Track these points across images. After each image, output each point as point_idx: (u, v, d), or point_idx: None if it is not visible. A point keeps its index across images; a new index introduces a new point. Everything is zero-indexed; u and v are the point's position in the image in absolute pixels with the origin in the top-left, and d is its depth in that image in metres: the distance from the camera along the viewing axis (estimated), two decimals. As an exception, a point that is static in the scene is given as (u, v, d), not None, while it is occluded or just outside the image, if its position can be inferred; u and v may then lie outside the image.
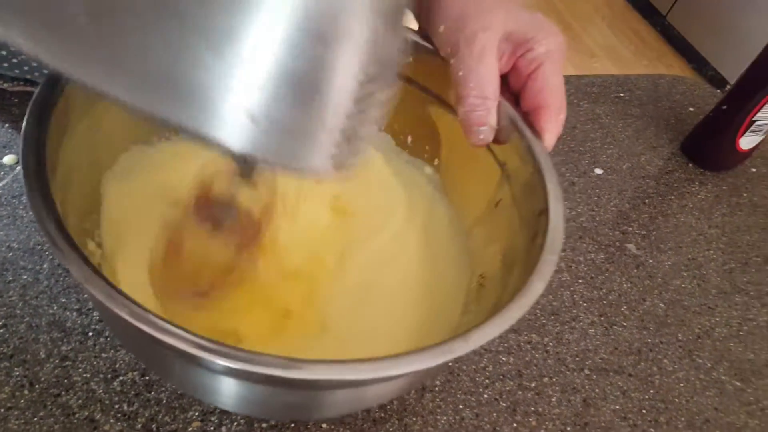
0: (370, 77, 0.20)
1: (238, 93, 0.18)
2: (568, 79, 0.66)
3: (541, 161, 0.33)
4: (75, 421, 0.33)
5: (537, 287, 0.26)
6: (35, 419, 0.33)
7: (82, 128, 0.29)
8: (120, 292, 0.21)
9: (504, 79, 0.35)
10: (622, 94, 0.67)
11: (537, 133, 0.34)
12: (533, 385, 0.41)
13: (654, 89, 0.70)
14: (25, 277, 0.38)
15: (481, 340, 0.24)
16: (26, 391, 0.33)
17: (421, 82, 0.38)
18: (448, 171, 0.42)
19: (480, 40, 0.32)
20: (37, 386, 0.34)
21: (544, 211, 0.30)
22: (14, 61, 0.46)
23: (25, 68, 0.47)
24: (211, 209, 0.30)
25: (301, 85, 0.19)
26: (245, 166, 0.27)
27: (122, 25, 0.18)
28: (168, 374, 0.31)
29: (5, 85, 0.49)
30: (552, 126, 0.34)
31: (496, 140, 0.35)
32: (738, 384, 0.45)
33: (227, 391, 0.27)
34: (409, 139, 0.43)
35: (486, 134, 0.33)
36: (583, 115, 0.63)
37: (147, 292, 0.32)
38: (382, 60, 0.21)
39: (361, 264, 0.39)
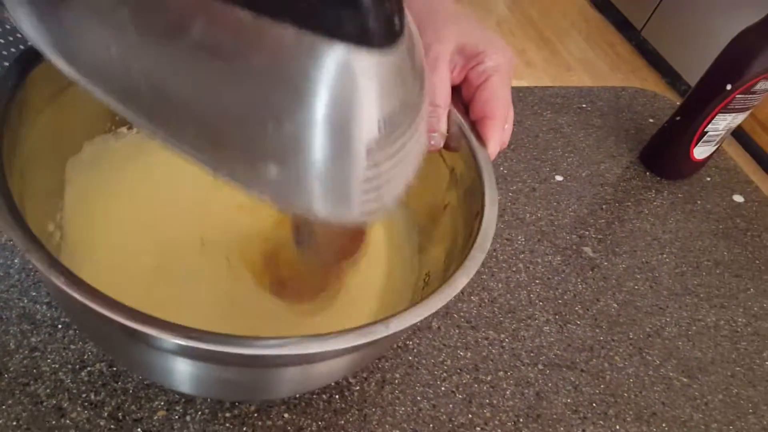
0: (387, 130, 0.22)
1: (286, 158, 0.21)
2: (532, 90, 0.69)
3: (482, 167, 0.35)
4: (43, 409, 0.34)
5: (460, 281, 0.28)
6: (3, 407, 0.34)
7: (47, 114, 0.30)
8: (63, 267, 0.22)
9: (456, 90, 0.37)
10: (584, 105, 0.70)
11: (482, 142, 0.36)
12: (489, 378, 0.43)
13: (615, 101, 0.73)
14: (-3, 271, 0.39)
15: (401, 325, 0.25)
16: (-5, 380, 0.35)
17: None
18: None
19: (434, 52, 0.34)
20: (6, 375, 0.35)
21: (480, 213, 0.33)
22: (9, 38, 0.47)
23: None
24: (297, 233, 0.34)
25: (327, 155, 0.21)
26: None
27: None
28: (119, 356, 0.32)
29: None
30: (496, 135, 0.36)
31: (447, 146, 0.37)
32: (685, 380, 0.48)
33: (179, 371, 0.28)
34: None
35: (436, 140, 0.35)
36: (546, 125, 0.66)
37: (107, 279, 0.33)
38: (394, 114, 0.22)
39: None
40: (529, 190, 0.59)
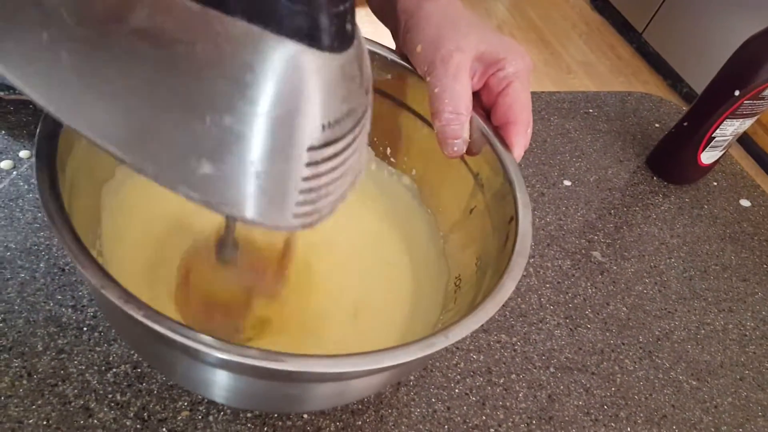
0: (329, 131, 0.22)
1: (209, 162, 0.20)
2: (539, 95, 0.70)
3: (510, 171, 0.36)
4: (71, 409, 0.35)
5: (509, 286, 0.29)
6: (33, 407, 0.35)
7: (83, 142, 0.31)
8: (117, 283, 0.23)
9: (476, 95, 0.38)
10: (591, 110, 0.71)
11: (507, 146, 0.37)
12: (501, 381, 0.44)
13: (622, 106, 0.73)
14: (23, 275, 0.40)
15: (460, 334, 0.26)
16: (25, 381, 0.35)
17: (399, 98, 0.41)
18: (425, 181, 0.45)
19: (455, 60, 0.35)
20: (35, 376, 0.36)
21: (514, 218, 0.33)
22: None
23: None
24: (219, 247, 0.33)
25: (265, 153, 0.21)
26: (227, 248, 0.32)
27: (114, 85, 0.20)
28: (161, 365, 0.33)
29: (1, 94, 0.51)
30: (521, 139, 0.37)
31: (469, 152, 0.38)
32: (694, 383, 0.48)
33: (217, 383, 0.29)
34: (389, 150, 0.46)
35: (459, 146, 0.36)
36: (554, 130, 0.67)
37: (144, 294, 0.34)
38: (338, 118, 0.22)
39: (349, 269, 0.42)
40: (538, 195, 0.60)
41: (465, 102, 0.35)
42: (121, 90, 0.20)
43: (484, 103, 0.38)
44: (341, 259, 0.42)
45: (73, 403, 0.35)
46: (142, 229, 0.38)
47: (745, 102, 0.57)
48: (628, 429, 0.44)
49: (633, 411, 0.45)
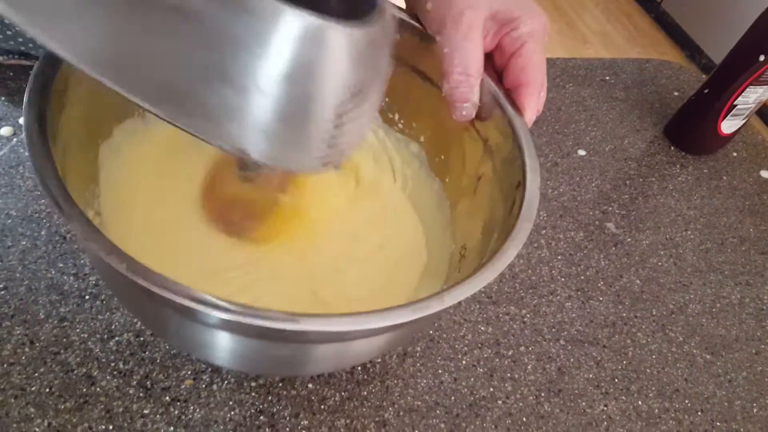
0: (353, 94, 0.24)
1: (245, 113, 0.22)
2: (554, 62, 0.68)
3: (521, 136, 0.34)
4: (73, 377, 0.35)
5: (510, 252, 0.28)
6: (36, 374, 0.34)
7: (80, 100, 0.30)
8: (117, 248, 0.22)
9: (489, 57, 0.36)
10: (607, 78, 0.69)
11: (518, 110, 0.35)
12: (510, 353, 0.43)
13: (639, 73, 0.71)
14: (24, 243, 0.39)
15: (456, 298, 0.25)
16: (27, 349, 0.35)
17: (408, 60, 0.40)
18: (433, 147, 0.44)
19: (466, 19, 0.33)
20: (37, 344, 0.35)
21: (521, 183, 0.32)
22: (8, 33, 0.47)
23: (20, 40, 0.48)
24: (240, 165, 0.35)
25: (293, 109, 0.22)
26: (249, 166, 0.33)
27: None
28: (163, 329, 0.33)
29: (0, 59, 0.50)
30: (533, 103, 0.35)
31: (479, 116, 0.36)
32: (708, 357, 0.47)
33: (220, 345, 0.29)
34: (397, 116, 0.44)
35: (468, 110, 0.35)
36: (569, 98, 0.65)
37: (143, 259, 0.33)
38: (365, 81, 0.24)
39: (359, 226, 0.41)
40: (551, 164, 0.58)
41: (476, 63, 0.34)
42: (154, 54, 0.21)
43: (496, 65, 0.37)
44: (353, 212, 0.42)
45: (75, 371, 0.35)
46: (144, 190, 0.37)
47: (769, 68, 0.55)
48: (639, 402, 0.43)
49: (644, 384, 0.44)
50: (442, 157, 0.43)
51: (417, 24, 0.37)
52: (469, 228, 0.38)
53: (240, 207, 0.38)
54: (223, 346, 0.28)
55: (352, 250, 0.40)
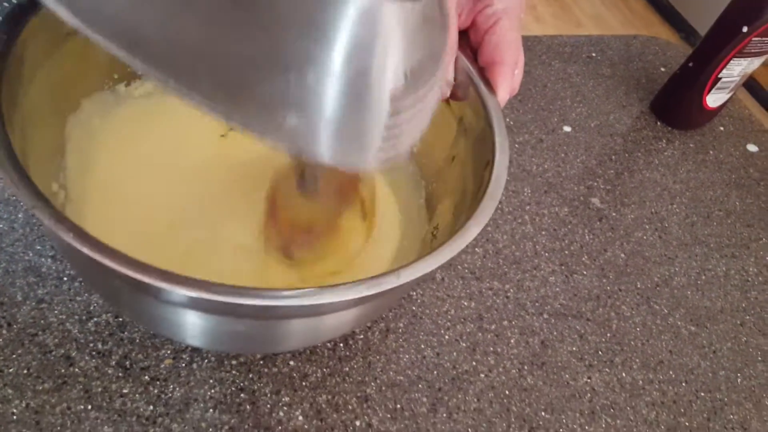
0: (411, 79, 0.22)
1: (302, 104, 0.20)
2: (540, 39, 0.68)
3: (492, 115, 0.34)
4: (52, 358, 0.35)
5: (472, 230, 0.28)
6: (14, 356, 0.34)
7: (43, 73, 0.30)
8: (69, 222, 0.22)
9: (463, 34, 0.36)
10: (594, 54, 0.68)
11: (491, 89, 0.35)
12: (493, 327, 0.43)
13: (626, 50, 0.71)
14: (1, 225, 0.39)
15: (412, 275, 0.25)
16: (4, 331, 0.35)
17: None
18: None
19: None
20: (14, 326, 0.35)
21: (490, 162, 0.32)
22: None
23: None
24: (301, 178, 0.34)
25: (349, 98, 0.21)
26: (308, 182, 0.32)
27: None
28: (127, 309, 0.33)
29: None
30: (506, 81, 0.34)
31: (454, 96, 0.35)
32: (693, 329, 0.47)
33: (187, 324, 0.28)
34: None
35: (443, 89, 0.34)
36: (554, 75, 0.65)
37: (116, 235, 0.33)
38: (420, 63, 0.22)
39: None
40: (536, 141, 0.58)
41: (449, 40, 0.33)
42: (205, 49, 0.19)
43: (472, 43, 0.36)
44: None
45: (53, 352, 0.35)
46: (114, 166, 0.37)
47: (753, 39, 0.54)
48: (623, 374, 0.43)
49: (629, 356, 0.44)
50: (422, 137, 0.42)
51: None
52: (442, 209, 0.38)
53: (304, 228, 0.37)
54: (179, 322, 0.28)
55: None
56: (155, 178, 0.38)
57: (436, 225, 0.38)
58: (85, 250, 0.21)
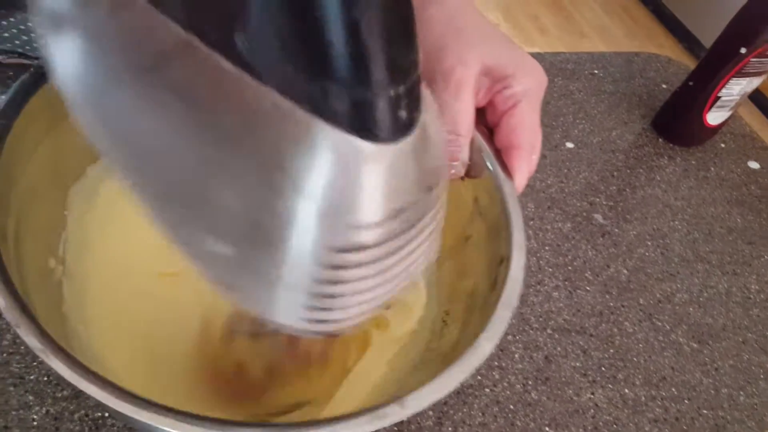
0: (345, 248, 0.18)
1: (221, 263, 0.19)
2: (543, 56, 0.69)
3: (508, 203, 0.32)
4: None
5: (486, 347, 0.26)
6: (34, 363, 0.35)
7: (46, 145, 0.30)
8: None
9: (481, 112, 0.35)
10: (596, 71, 0.69)
11: (508, 173, 0.33)
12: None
13: (628, 66, 0.72)
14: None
15: (418, 406, 0.23)
16: (21, 345, 0.36)
17: None
18: None
19: (457, 76, 0.31)
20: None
21: (506, 259, 0.30)
22: (5, 35, 0.47)
23: (17, 42, 0.48)
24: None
25: (273, 257, 0.18)
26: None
27: None
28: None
29: (0, 58, 0.50)
30: (523, 166, 0.33)
31: (469, 174, 0.34)
32: (695, 345, 0.48)
33: None
34: None
35: (457, 168, 0.33)
36: (557, 91, 0.66)
37: (120, 314, 0.33)
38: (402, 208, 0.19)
39: None
40: (540, 157, 0.58)
41: (466, 122, 0.32)
42: (148, 147, 0.19)
43: (488, 122, 0.35)
44: None
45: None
46: (115, 237, 0.36)
47: (751, 60, 0.55)
48: (626, 390, 0.44)
49: (631, 372, 0.45)
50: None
51: None
52: (454, 292, 0.36)
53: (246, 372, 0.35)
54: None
55: None
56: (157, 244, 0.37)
57: (447, 311, 0.37)
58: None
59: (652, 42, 2.22)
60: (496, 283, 0.29)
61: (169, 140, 0.18)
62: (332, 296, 0.19)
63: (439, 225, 0.21)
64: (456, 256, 0.37)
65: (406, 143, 0.17)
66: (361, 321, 0.21)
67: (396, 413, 0.23)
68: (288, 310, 0.20)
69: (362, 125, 0.16)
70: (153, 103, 0.18)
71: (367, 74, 0.15)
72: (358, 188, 0.17)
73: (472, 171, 0.34)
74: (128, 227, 0.35)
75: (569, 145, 0.61)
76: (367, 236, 0.18)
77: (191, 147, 0.18)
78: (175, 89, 0.17)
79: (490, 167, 0.34)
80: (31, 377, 0.35)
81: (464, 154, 0.33)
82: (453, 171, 0.33)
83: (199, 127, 0.17)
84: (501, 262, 0.30)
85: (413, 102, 0.17)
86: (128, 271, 0.36)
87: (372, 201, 0.18)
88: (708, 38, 2.07)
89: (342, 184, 0.17)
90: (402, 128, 0.17)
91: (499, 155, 0.34)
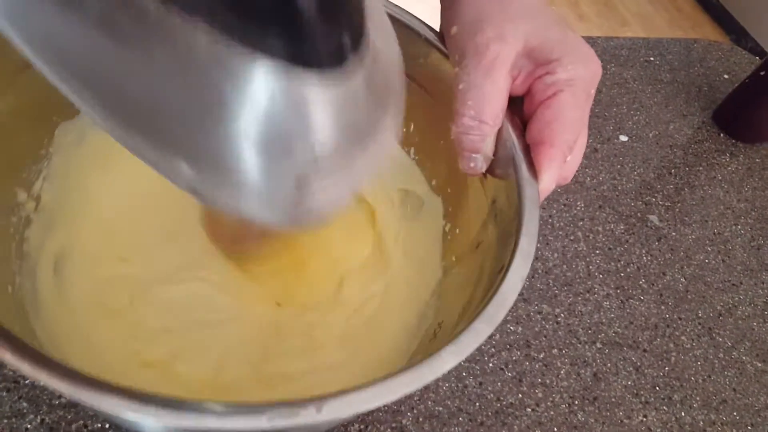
0: (319, 157, 0.19)
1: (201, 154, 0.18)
2: (595, 41, 0.63)
3: (525, 207, 0.27)
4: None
5: (446, 360, 0.22)
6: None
7: (27, 75, 0.28)
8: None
9: (519, 102, 0.29)
10: (652, 59, 0.64)
11: (534, 173, 0.28)
12: (541, 356, 0.40)
13: (686, 54, 0.66)
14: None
15: (333, 413, 0.20)
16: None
17: (430, 89, 0.33)
18: (444, 195, 0.37)
19: (492, 52, 0.27)
20: (30, 336, 0.33)
21: (504, 268, 0.25)
22: None
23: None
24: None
25: (252, 165, 0.19)
26: None
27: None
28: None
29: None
30: (553, 167, 0.27)
31: (491, 172, 0.29)
32: (759, 365, 0.43)
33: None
34: (412, 150, 0.38)
35: (478, 163, 0.28)
36: (610, 79, 0.60)
37: (103, 251, 0.32)
38: (335, 143, 0.19)
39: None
40: (591, 150, 0.54)
41: (493, 108, 0.27)
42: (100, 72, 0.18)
43: (525, 113, 0.29)
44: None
45: (70, 366, 0.33)
46: (102, 184, 0.35)
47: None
48: (682, 414, 0.39)
49: (688, 394, 0.41)
50: (451, 209, 0.37)
51: (444, 48, 0.31)
52: (452, 304, 0.32)
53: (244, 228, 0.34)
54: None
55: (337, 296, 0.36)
56: (147, 194, 0.35)
57: (441, 322, 0.32)
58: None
59: (696, 33, 2.12)
60: (492, 294, 0.25)
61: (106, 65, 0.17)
62: (304, 203, 0.20)
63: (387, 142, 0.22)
64: (464, 264, 0.33)
65: (357, 69, 0.18)
66: (323, 219, 0.22)
67: (310, 415, 0.20)
68: (277, 210, 0.20)
69: (299, 55, 0.16)
70: (76, 33, 0.16)
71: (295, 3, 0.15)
72: (317, 120, 0.18)
73: (495, 169, 0.29)
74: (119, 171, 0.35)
75: (623, 138, 0.55)
76: (326, 163, 0.19)
77: (131, 79, 0.17)
78: (97, 25, 0.16)
79: (515, 164, 0.28)
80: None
81: (487, 147, 0.28)
82: (472, 165, 0.28)
83: (131, 65, 0.17)
84: (500, 271, 0.26)
85: (353, 28, 0.17)
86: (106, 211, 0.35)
87: (328, 130, 0.18)
88: (757, 30, 1.97)
89: (298, 119, 0.18)
90: (342, 54, 0.17)
91: (528, 152, 0.28)
